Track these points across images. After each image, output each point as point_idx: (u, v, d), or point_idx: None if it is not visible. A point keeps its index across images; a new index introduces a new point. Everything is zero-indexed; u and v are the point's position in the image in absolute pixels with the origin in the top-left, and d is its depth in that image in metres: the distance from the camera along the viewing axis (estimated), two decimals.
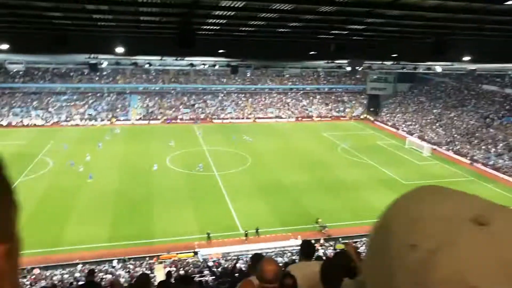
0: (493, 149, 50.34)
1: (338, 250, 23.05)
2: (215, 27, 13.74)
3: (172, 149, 49.17)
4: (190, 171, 41.71)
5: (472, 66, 34.90)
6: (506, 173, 45.01)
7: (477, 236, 0.53)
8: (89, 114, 65.71)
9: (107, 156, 45.28)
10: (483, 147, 51.69)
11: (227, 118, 69.64)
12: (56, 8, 10.91)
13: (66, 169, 40.76)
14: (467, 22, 12.88)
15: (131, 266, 24.70)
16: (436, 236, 0.54)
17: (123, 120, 65.57)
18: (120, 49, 20.06)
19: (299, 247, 6.22)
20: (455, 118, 61.90)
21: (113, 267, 24.56)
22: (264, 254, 19.12)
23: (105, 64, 29.88)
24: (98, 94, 70.55)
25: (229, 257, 26.31)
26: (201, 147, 51.17)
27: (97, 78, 71.41)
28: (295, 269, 4.16)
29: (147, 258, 26.06)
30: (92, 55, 24.91)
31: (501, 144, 50.81)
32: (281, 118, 71.78)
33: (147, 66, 33.56)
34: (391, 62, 30.74)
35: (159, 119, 67.07)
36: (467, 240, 0.52)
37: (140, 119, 66.62)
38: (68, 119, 63.74)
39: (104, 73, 71.23)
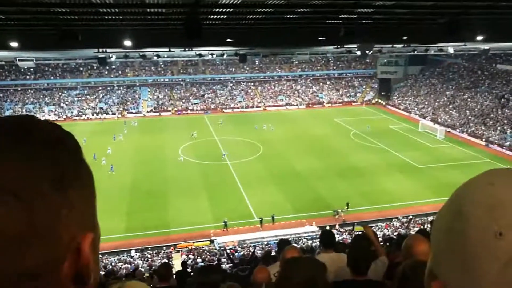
0: (509, 130, 49.41)
1: (356, 233, 23.09)
2: (222, 16, 13.61)
3: (187, 139, 49.42)
4: (203, 162, 41.94)
5: (486, 46, 34.03)
6: None
7: None
8: (101, 108, 66.28)
9: (123, 149, 45.73)
10: (499, 128, 50.77)
11: (237, 108, 69.55)
12: (63, 4, 10.93)
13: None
14: (479, 0, 12.54)
15: (149, 256, 25.12)
16: None
17: (135, 113, 66.00)
18: (128, 42, 20.07)
19: (319, 237, 6.19)
20: (468, 99, 60.79)
21: (132, 257, 25.01)
22: (290, 239, 19.27)
23: (113, 57, 29.94)
24: (108, 88, 71.06)
25: (245, 245, 26.59)
26: (213, 137, 51.31)
27: (106, 72, 71.84)
28: (332, 259, 4.17)
29: (164, 248, 26.50)
30: (101, 49, 24.97)
31: None
32: (292, 105, 71.41)
33: (155, 58, 33.53)
34: (402, 45, 30.16)
35: (169, 111, 67.34)
36: None
37: (151, 111, 66.97)
38: (80, 113, 64.43)
39: (113, 66, 71.59)
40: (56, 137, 0.57)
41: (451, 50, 36.65)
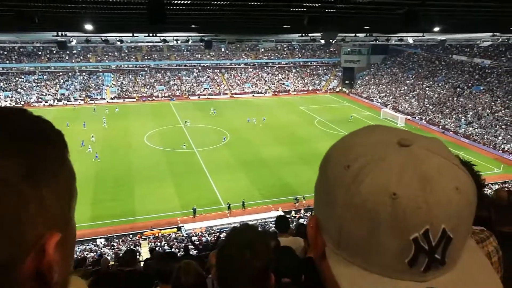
0: (463, 118, 52.04)
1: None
2: (186, 1, 13.51)
3: (153, 127, 48.67)
4: (169, 149, 41.57)
5: (442, 37, 35.53)
6: (475, 140, 46.79)
7: (400, 154, 0.61)
8: (62, 94, 63.86)
9: (84, 136, 44.40)
10: (454, 116, 53.34)
11: (203, 95, 69.01)
12: None
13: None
14: None
15: (115, 244, 24.88)
16: (367, 156, 0.62)
17: (98, 99, 64.10)
18: (89, 26, 19.50)
19: (274, 222, 6.52)
20: (427, 88, 63.30)
21: (97, 245, 24.68)
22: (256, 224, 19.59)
23: (74, 42, 28.87)
24: (70, 74, 68.47)
25: (212, 231, 26.80)
26: (178, 124, 50.80)
27: (67, 57, 69.12)
28: (287, 242, 4.48)
29: (131, 235, 26.31)
30: (60, 33, 24.03)
31: (470, 113, 52.54)
32: (258, 93, 71.65)
33: (118, 43, 32.64)
34: (364, 34, 30.93)
35: (134, 97, 65.89)
36: (391, 157, 0.61)
37: (114, 97, 65.25)
38: (40, 99, 61.80)
39: (74, 51, 68.97)
40: (41, 133, 0.57)
41: (410, 40, 37.98)
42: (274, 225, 9.91)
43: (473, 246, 0.67)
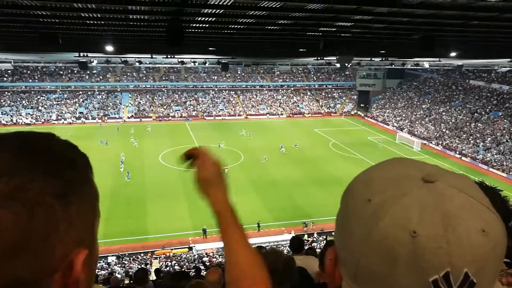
0: (481, 143, 51.13)
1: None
2: (204, 25, 13.85)
3: (168, 146, 49.15)
4: (183, 169, 41.69)
5: (459, 62, 35.37)
6: (494, 166, 45.79)
7: (423, 190, 0.59)
8: (80, 113, 65.32)
9: (100, 154, 45.08)
10: (472, 141, 52.47)
11: (219, 115, 69.69)
12: (44, 7, 10.95)
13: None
14: (452, 18, 13.14)
15: (126, 262, 24.85)
16: (388, 191, 0.61)
17: (115, 118, 65.33)
18: (109, 48, 20.10)
19: (289, 243, 6.64)
20: (443, 113, 62.64)
21: (108, 263, 24.68)
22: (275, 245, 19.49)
23: (95, 62, 29.72)
24: (89, 93, 70.16)
25: (223, 252, 26.51)
26: (194, 144, 51.16)
27: (87, 77, 70.98)
28: (300, 262, 4.49)
29: (142, 254, 26.26)
30: (82, 54, 24.81)
31: (489, 138, 51.62)
32: (273, 114, 72.01)
33: (137, 64, 33.45)
34: (380, 59, 31.03)
35: (150, 117, 66.92)
36: (413, 193, 0.59)
37: (131, 116, 66.39)
38: (59, 117, 63.30)
39: (94, 71, 70.83)
40: (69, 156, 0.61)
41: (426, 65, 37.88)
42: (288, 246, 9.84)
43: None
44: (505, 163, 45.56)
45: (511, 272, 1.60)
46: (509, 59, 31.48)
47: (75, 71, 69.07)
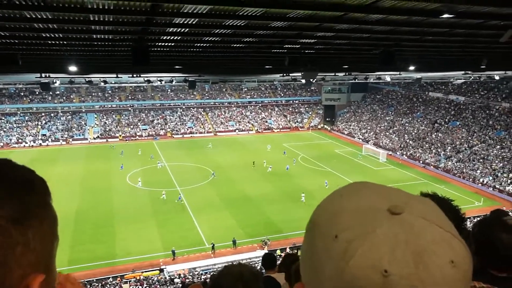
0: (442, 152, 53.26)
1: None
2: (170, 44, 13.87)
3: (136, 166, 48.09)
4: (152, 188, 40.96)
5: (418, 75, 37.02)
6: (455, 174, 47.71)
7: (391, 225, 0.58)
8: (43, 135, 63.09)
9: (65, 177, 43.57)
10: (434, 150, 54.57)
11: (187, 133, 69.21)
12: (2, 27, 10.66)
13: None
14: (409, 34, 13.81)
15: None
16: (355, 227, 0.59)
17: (80, 139, 63.56)
18: (73, 68, 19.69)
19: (261, 260, 6.58)
20: (406, 124, 64.99)
21: None
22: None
23: (58, 83, 28.95)
24: (52, 114, 68.04)
25: (196, 272, 26.05)
26: (162, 162, 50.40)
27: (50, 98, 68.96)
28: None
29: (111, 279, 25.31)
30: (44, 74, 24.13)
31: (449, 147, 53.88)
32: (242, 130, 72.28)
33: (102, 84, 32.84)
34: (343, 73, 31.98)
35: (117, 137, 65.56)
36: (382, 229, 0.57)
37: (97, 137, 64.78)
38: (20, 140, 60.85)
39: (58, 92, 68.97)
40: (26, 181, 0.62)
41: (388, 79, 39.36)
42: (260, 263, 9.81)
43: None
44: (465, 170, 47.59)
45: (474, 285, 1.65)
46: (463, 72, 33.23)
47: (37, 92, 66.98)
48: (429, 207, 0.63)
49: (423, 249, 0.55)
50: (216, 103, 78.05)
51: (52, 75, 24.88)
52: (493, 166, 46.35)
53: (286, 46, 15.59)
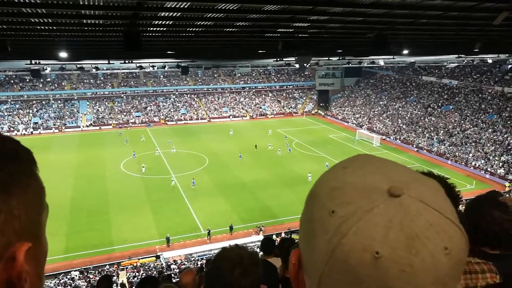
0: (435, 136, 53.62)
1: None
2: (162, 29, 13.68)
3: (130, 154, 47.92)
4: (147, 176, 40.93)
5: (411, 59, 36.98)
6: (448, 158, 48.15)
7: (388, 206, 0.57)
8: (35, 123, 62.49)
9: (59, 165, 43.38)
10: (427, 134, 54.91)
11: (181, 120, 68.90)
12: None
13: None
14: (403, 17, 13.72)
15: (92, 276, 24.00)
16: (352, 204, 0.59)
17: (73, 127, 63.08)
18: (63, 54, 19.40)
19: (260, 245, 6.63)
20: (400, 108, 65.18)
21: (72, 278, 23.74)
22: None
23: (48, 69, 28.56)
24: (44, 102, 67.30)
25: (192, 258, 26.26)
26: (156, 149, 50.26)
27: (41, 85, 68.09)
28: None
29: (108, 266, 25.48)
30: (34, 61, 23.75)
31: (442, 131, 54.24)
32: (236, 117, 72.08)
33: (94, 70, 32.47)
34: (337, 58, 31.85)
35: (110, 124, 65.13)
36: (378, 210, 0.57)
37: (90, 125, 64.32)
38: (11, 129, 60.23)
39: (49, 79, 68.09)
40: (11, 150, 0.62)
41: (381, 63, 39.30)
42: (258, 248, 9.88)
43: None
44: (457, 154, 48.03)
45: (471, 263, 1.67)
46: (456, 55, 33.24)
47: (27, 80, 66.10)
48: (430, 189, 0.62)
49: (417, 234, 0.55)
50: (210, 89, 77.59)
51: (42, 61, 24.52)
52: (485, 150, 46.80)
53: (280, 30, 15.45)
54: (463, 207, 2.56)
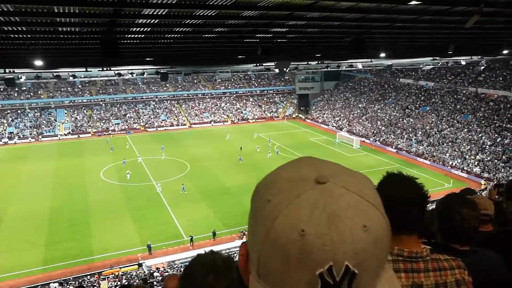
0: (414, 137, 54.71)
1: None
2: (140, 35, 13.58)
3: (109, 162, 47.13)
4: (127, 183, 40.34)
5: (389, 62, 37.72)
6: (426, 158, 49.17)
7: (315, 191, 0.65)
8: (10, 133, 60.84)
9: (36, 175, 42.32)
10: (405, 135, 55.96)
11: (161, 126, 68.29)
12: None
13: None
14: (379, 21, 14.00)
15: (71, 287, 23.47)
16: (284, 193, 0.67)
17: (51, 136, 61.69)
18: (38, 62, 18.99)
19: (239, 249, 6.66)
20: (379, 111, 66.27)
21: None
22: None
23: (23, 78, 27.92)
24: (19, 111, 65.63)
25: (175, 265, 25.97)
26: (137, 157, 49.62)
27: (16, 94, 66.41)
28: None
29: (88, 276, 24.93)
30: (8, 70, 23.16)
31: (419, 132, 55.38)
32: (217, 122, 71.90)
33: (71, 78, 31.90)
34: (316, 62, 32.21)
35: (89, 132, 63.99)
36: (306, 195, 0.65)
37: (68, 133, 63.03)
38: None
39: (24, 88, 66.46)
40: None
41: (360, 66, 39.94)
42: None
43: (391, 278, 0.70)
44: (435, 154, 49.12)
45: (438, 259, 1.71)
46: (431, 58, 34.08)
47: (1, 89, 64.35)
48: (355, 180, 0.69)
49: (338, 213, 0.62)
50: (190, 95, 77.20)
51: (16, 70, 23.96)
52: (461, 149, 48.00)
53: (258, 35, 15.54)
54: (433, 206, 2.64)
